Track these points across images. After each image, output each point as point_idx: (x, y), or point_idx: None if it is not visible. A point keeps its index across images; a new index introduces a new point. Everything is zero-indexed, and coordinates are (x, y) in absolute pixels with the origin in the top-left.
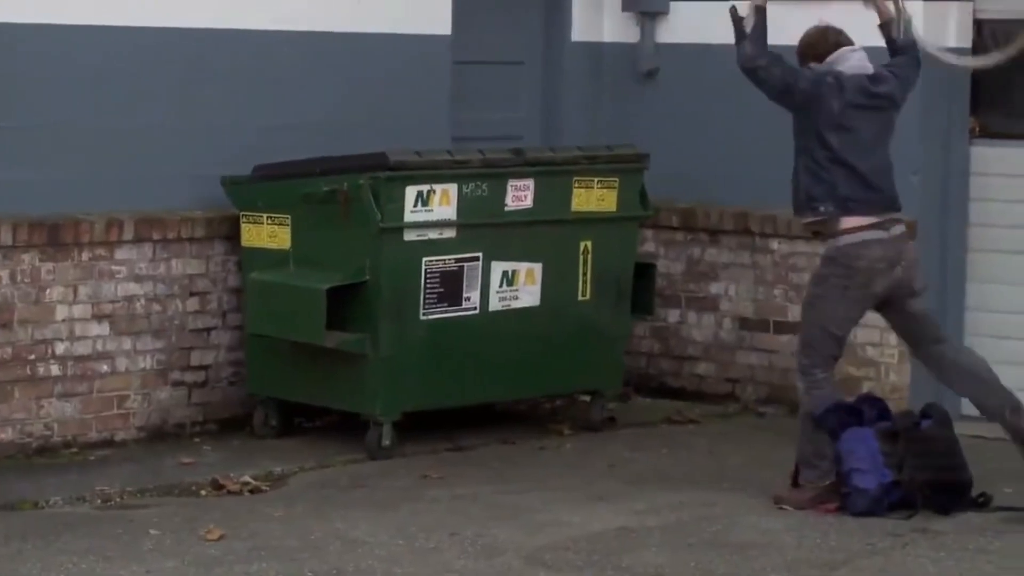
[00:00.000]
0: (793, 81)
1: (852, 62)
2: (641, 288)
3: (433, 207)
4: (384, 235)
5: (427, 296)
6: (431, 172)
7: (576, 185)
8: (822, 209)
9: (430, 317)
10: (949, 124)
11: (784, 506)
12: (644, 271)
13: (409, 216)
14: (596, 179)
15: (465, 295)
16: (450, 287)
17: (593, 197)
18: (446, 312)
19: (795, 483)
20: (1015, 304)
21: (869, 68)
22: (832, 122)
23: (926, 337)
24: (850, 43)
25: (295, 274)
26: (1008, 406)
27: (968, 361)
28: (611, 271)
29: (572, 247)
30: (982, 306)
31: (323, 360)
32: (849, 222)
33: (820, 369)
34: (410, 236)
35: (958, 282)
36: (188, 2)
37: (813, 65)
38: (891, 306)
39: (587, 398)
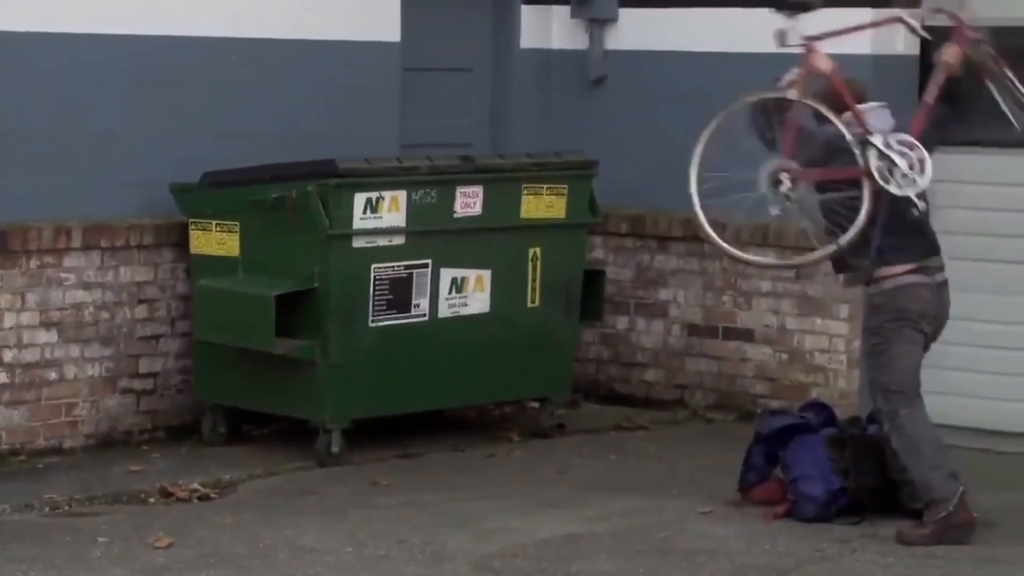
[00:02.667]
0: None
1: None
2: (590, 295)
3: (382, 214)
4: (333, 242)
5: (376, 303)
6: (380, 179)
7: (525, 192)
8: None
9: (379, 324)
10: None
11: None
12: (593, 278)
13: (358, 223)
14: (545, 186)
15: (414, 302)
16: (399, 294)
17: (542, 204)
18: (395, 319)
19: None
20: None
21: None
22: None
23: None
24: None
25: (244, 281)
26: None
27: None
28: (560, 278)
29: (521, 254)
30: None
31: (272, 367)
32: (886, 271)
33: (904, 407)
34: (359, 243)
35: None
36: (136, 9)
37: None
38: None
39: (536, 405)
